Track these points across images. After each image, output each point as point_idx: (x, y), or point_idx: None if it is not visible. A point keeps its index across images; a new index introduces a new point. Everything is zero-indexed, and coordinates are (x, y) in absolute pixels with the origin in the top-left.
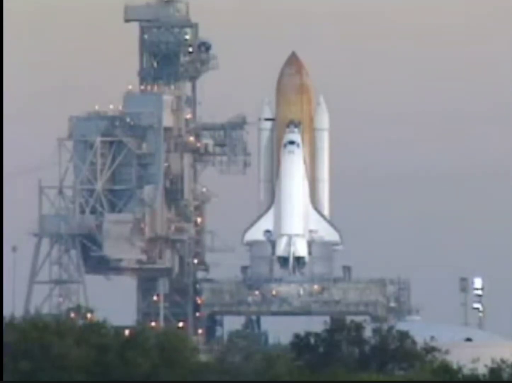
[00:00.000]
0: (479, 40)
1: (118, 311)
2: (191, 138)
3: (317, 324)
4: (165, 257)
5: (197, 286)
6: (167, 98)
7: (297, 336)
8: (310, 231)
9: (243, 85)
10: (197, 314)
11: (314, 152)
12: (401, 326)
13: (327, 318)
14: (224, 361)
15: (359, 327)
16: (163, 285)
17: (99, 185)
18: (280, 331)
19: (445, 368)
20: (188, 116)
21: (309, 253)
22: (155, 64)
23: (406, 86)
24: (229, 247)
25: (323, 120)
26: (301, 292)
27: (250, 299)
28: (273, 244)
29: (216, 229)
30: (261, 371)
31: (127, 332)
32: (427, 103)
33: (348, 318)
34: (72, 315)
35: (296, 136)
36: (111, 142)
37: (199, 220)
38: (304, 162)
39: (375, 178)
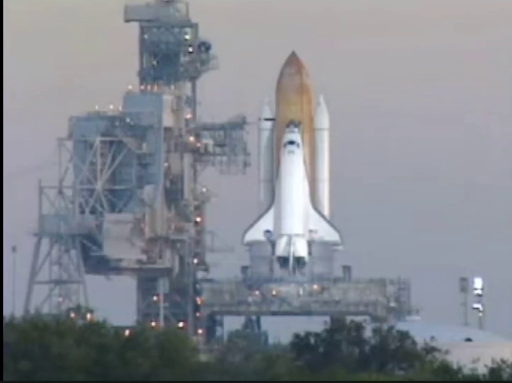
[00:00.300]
0: (479, 40)
1: (118, 311)
2: (191, 138)
3: (317, 324)
4: (165, 257)
5: (197, 286)
6: (167, 98)
7: (297, 336)
8: (310, 231)
9: (243, 85)
10: (197, 314)
11: (314, 152)
12: (401, 326)
13: (327, 318)
14: (224, 361)
15: (359, 327)
16: (163, 285)
17: (99, 185)
18: (280, 331)
19: (445, 368)
20: (188, 116)
21: (309, 253)
22: (155, 64)
23: (406, 86)
24: (229, 247)
25: (323, 120)
26: (301, 292)
27: (250, 299)
28: (273, 244)
29: (216, 229)
30: (261, 371)
31: (127, 332)
32: (428, 103)
33: (348, 318)
34: (72, 315)
35: (296, 136)
36: (111, 142)
37: (199, 219)
38: (304, 162)
39: (375, 178)
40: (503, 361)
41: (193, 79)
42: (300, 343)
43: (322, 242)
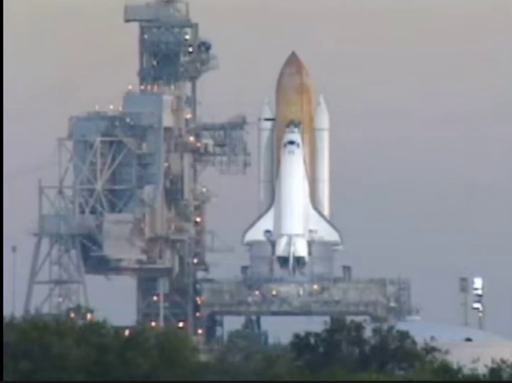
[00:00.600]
0: (479, 40)
1: (118, 311)
2: (191, 138)
3: (317, 324)
4: (165, 257)
5: (197, 286)
6: (167, 98)
7: (297, 336)
8: (310, 231)
9: (243, 85)
10: (197, 314)
11: (314, 152)
12: (401, 326)
13: (327, 318)
14: (224, 361)
15: (359, 327)
16: (163, 285)
17: (99, 185)
18: (280, 331)
19: (445, 368)
20: (188, 116)
21: (309, 253)
22: (155, 64)
23: (406, 86)
24: (229, 247)
25: (323, 120)
26: (301, 292)
27: (250, 299)
28: (273, 244)
29: (216, 229)
30: (261, 371)
31: (127, 332)
32: (427, 103)
33: (348, 318)
34: (72, 315)
35: (296, 136)
36: (111, 142)
37: (199, 220)
38: (304, 162)
39: (375, 178)
40: (503, 361)
41: (193, 79)
42: (300, 343)
43: (322, 242)
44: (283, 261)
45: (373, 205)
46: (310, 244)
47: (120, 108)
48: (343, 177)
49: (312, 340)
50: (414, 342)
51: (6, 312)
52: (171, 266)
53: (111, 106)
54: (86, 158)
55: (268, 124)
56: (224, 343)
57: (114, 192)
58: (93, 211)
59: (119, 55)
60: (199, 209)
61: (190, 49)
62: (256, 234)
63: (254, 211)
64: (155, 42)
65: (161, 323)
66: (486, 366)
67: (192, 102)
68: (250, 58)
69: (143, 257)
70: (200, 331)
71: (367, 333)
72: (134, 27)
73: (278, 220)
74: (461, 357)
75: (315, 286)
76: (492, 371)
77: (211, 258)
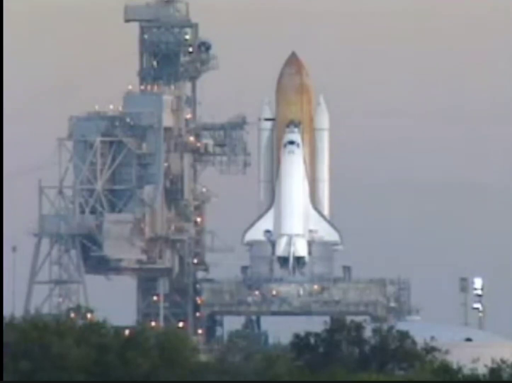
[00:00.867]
0: (479, 40)
1: (118, 311)
2: (191, 138)
3: (317, 324)
4: (165, 257)
5: (197, 286)
6: (167, 98)
7: (297, 336)
8: (310, 231)
9: (243, 85)
10: (197, 314)
11: (314, 152)
12: (401, 326)
13: (327, 318)
14: (224, 361)
15: (359, 327)
16: (163, 285)
17: (99, 185)
18: (280, 331)
19: (445, 368)
20: (188, 116)
21: (309, 253)
22: (155, 64)
23: (406, 86)
24: (229, 247)
25: (323, 120)
26: (301, 292)
27: (250, 299)
28: (273, 244)
29: (216, 229)
30: (261, 371)
31: (127, 332)
32: (428, 103)
33: (348, 318)
34: (72, 315)
35: (296, 136)
36: (111, 142)
37: (199, 220)
38: (304, 162)
39: (375, 179)
40: (503, 361)
41: (193, 79)
42: (300, 343)
43: (322, 242)
44: (283, 261)
45: (373, 205)
46: (310, 244)
47: (120, 108)
48: (343, 177)
49: (312, 340)
50: (414, 342)
51: (6, 312)
52: (171, 266)
53: (111, 106)
54: (86, 158)
55: (268, 124)
56: (224, 343)
57: (114, 191)
58: (93, 211)
59: (119, 55)
60: (199, 209)
61: (190, 49)
62: (256, 234)
63: (254, 211)
64: (155, 42)
65: (161, 323)
66: (486, 366)
67: (192, 102)
68: (250, 58)
69: (143, 257)
70: (200, 331)
71: (367, 333)
72: (134, 27)
73: (278, 220)
74: (461, 357)
75: (315, 286)
76: (492, 371)
77: (211, 258)
